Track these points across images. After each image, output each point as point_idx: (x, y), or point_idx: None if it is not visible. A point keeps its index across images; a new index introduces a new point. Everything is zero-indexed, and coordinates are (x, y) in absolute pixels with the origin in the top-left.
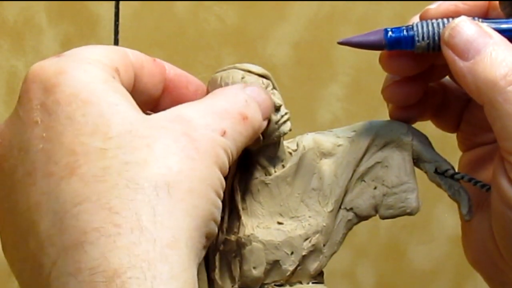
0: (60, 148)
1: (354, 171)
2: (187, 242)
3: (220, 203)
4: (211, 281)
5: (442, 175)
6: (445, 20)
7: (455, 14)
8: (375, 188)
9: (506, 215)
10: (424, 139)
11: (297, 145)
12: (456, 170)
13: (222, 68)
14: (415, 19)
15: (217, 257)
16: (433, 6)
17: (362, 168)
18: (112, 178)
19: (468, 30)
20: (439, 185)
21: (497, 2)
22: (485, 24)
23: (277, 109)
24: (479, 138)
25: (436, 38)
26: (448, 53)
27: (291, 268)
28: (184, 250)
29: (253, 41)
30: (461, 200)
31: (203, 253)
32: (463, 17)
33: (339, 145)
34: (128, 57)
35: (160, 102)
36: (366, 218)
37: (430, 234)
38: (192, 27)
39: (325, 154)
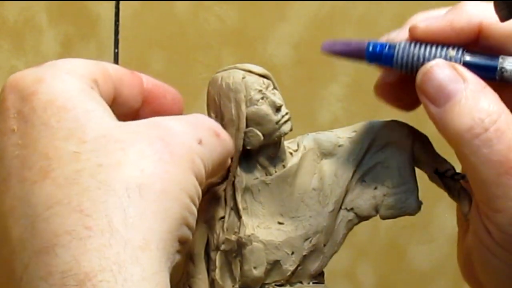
0: (34, 153)
1: (355, 171)
2: (158, 245)
3: (194, 210)
4: (211, 281)
5: (442, 175)
6: (427, 50)
7: (442, 39)
8: (375, 188)
9: (480, 249)
10: (424, 139)
11: (298, 145)
12: (457, 171)
13: (223, 68)
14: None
15: (217, 257)
16: (422, 24)
17: (362, 168)
18: (85, 181)
19: (440, 75)
20: (439, 186)
21: (488, 31)
22: (461, 66)
23: (277, 109)
24: None
25: (414, 66)
26: (421, 97)
27: (291, 268)
28: (155, 252)
29: (253, 41)
30: (462, 201)
31: (177, 257)
32: (437, 61)
33: (339, 146)
34: (107, 70)
35: (140, 113)
36: (366, 218)
37: (430, 234)
38: (192, 27)
39: (326, 155)
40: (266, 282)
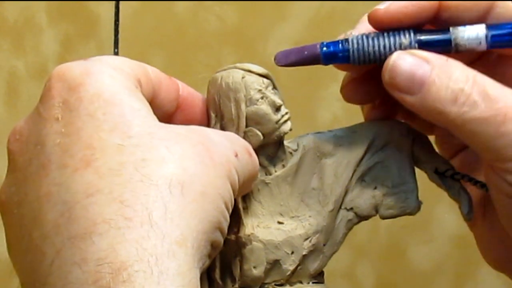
0: (77, 142)
1: (355, 171)
2: (193, 243)
3: (228, 216)
4: (211, 281)
5: (442, 175)
6: (381, 40)
7: (404, 17)
8: (375, 188)
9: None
10: (424, 139)
11: (298, 145)
12: (457, 171)
13: (223, 68)
14: (361, 26)
15: (217, 257)
16: (383, 6)
17: (362, 168)
18: (128, 173)
19: (405, 65)
20: (439, 185)
21: (449, 2)
22: (418, 50)
23: (277, 108)
24: (456, 141)
25: (371, 58)
26: (394, 93)
27: (291, 268)
28: (190, 249)
29: (253, 41)
30: (462, 200)
31: (207, 261)
32: (396, 54)
33: (339, 145)
34: (148, 72)
35: (173, 119)
36: (366, 218)
37: (430, 234)
38: (192, 27)
39: (326, 154)
40: (266, 281)
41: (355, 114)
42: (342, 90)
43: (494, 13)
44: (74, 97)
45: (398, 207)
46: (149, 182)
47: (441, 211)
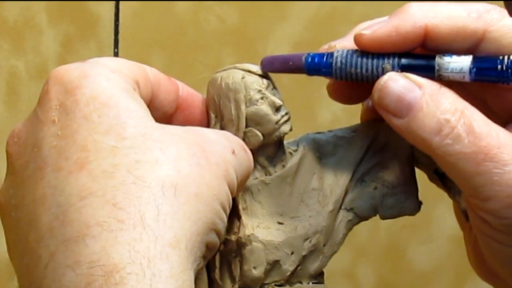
0: (72, 145)
1: (355, 171)
2: (187, 245)
3: (224, 217)
4: (211, 281)
5: (442, 175)
6: (364, 62)
7: (388, 44)
8: (375, 188)
9: (485, 240)
10: None
11: (297, 145)
12: None
13: (223, 68)
14: (348, 38)
15: (217, 257)
16: (367, 31)
17: (362, 168)
18: (121, 175)
19: (395, 88)
20: (439, 186)
21: (435, 32)
22: (412, 74)
23: (277, 109)
24: None
25: (353, 75)
26: (382, 112)
27: (291, 268)
28: (184, 251)
29: (253, 41)
30: (461, 201)
31: (202, 263)
32: (389, 74)
33: (339, 146)
34: (147, 73)
35: (172, 119)
36: (366, 218)
37: (430, 234)
38: (192, 27)
39: (325, 154)
40: (266, 282)
41: (355, 114)
42: (328, 88)
43: (482, 47)
44: (71, 99)
45: (398, 208)
46: (142, 184)
47: (441, 211)
